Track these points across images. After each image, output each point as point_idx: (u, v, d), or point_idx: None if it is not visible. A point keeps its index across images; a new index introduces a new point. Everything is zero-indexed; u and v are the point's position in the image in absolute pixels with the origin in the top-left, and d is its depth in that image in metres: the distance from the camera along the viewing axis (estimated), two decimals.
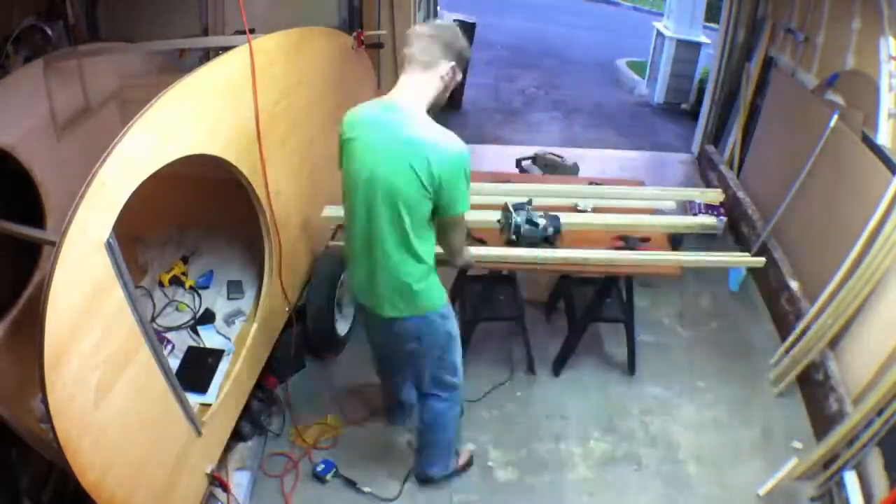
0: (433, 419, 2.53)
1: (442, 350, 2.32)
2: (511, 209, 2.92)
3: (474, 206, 3.32)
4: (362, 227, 2.05)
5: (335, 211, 3.06)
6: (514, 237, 2.90)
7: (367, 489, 2.74)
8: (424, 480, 2.75)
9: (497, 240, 3.00)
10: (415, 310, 2.14)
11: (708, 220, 3.43)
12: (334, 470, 2.78)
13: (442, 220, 2.05)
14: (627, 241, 3.01)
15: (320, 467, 2.78)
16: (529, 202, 3.00)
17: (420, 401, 2.55)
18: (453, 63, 2.01)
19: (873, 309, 2.81)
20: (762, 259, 3.12)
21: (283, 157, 2.66)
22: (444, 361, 2.37)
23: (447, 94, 2.08)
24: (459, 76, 2.06)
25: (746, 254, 3.38)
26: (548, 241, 2.93)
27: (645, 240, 3.04)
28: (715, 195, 3.59)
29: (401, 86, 2.00)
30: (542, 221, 2.90)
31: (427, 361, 2.35)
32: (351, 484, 2.76)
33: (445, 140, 1.94)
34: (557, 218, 2.96)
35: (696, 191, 3.67)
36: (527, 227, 2.89)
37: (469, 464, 2.85)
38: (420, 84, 1.98)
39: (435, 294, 2.16)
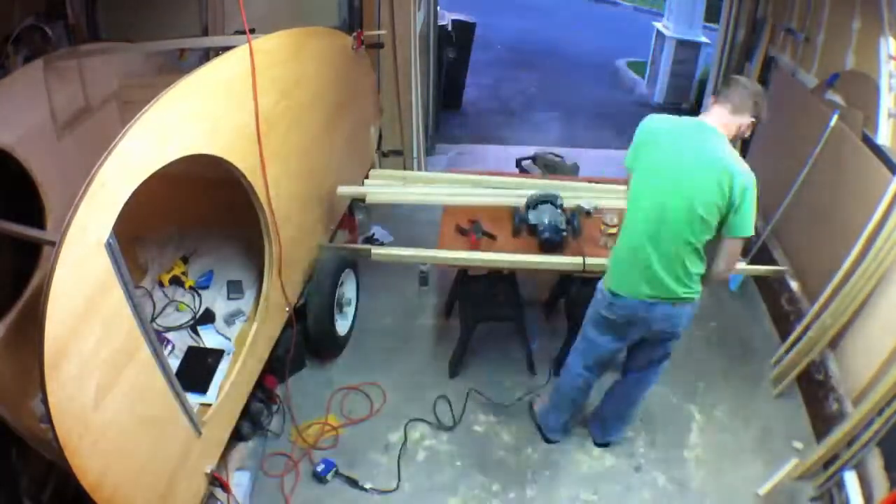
0: (639, 391, 2.82)
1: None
2: (532, 208, 2.96)
3: (480, 205, 3.36)
4: (650, 221, 2.27)
5: (348, 190, 3.22)
6: (539, 237, 3.03)
7: (368, 485, 2.76)
8: (606, 445, 3.03)
9: (506, 234, 3.05)
10: (677, 300, 2.38)
11: None
12: (334, 469, 2.79)
13: (725, 240, 2.27)
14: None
15: (320, 467, 2.78)
16: (557, 200, 3.03)
17: (636, 376, 2.77)
18: (753, 120, 2.29)
19: (873, 309, 2.81)
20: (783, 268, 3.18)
21: (283, 157, 2.66)
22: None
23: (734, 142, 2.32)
24: (748, 133, 2.34)
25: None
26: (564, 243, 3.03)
27: None
28: None
29: (713, 114, 2.30)
30: (564, 225, 3.03)
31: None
32: (352, 482, 2.77)
33: (746, 168, 2.19)
34: (576, 217, 3.08)
35: None
36: (548, 234, 3.01)
37: None
38: (727, 121, 2.27)
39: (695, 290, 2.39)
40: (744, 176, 2.14)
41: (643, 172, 2.32)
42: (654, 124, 2.37)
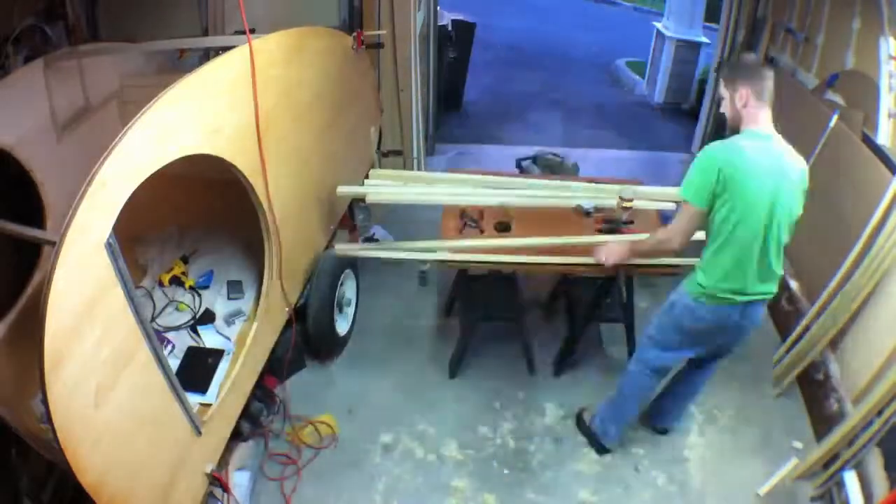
0: (703, 383, 2.88)
1: None
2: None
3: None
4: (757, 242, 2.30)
5: (348, 190, 3.25)
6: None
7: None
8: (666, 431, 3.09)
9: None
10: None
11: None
12: None
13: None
14: (611, 223, 3.04)
15: None
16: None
17: (699, 368, 2.80)
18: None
19: (873, 309, 2.81)
20: None
21: (283, 157, 2.66)
22: None
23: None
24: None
25: None
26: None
27: (629, 222, 3.07)
28: None
29: (768, 119, 2.28)
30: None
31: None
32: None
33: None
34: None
35: None
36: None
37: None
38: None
39: None
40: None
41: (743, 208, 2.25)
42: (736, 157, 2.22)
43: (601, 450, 2.98)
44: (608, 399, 2.94)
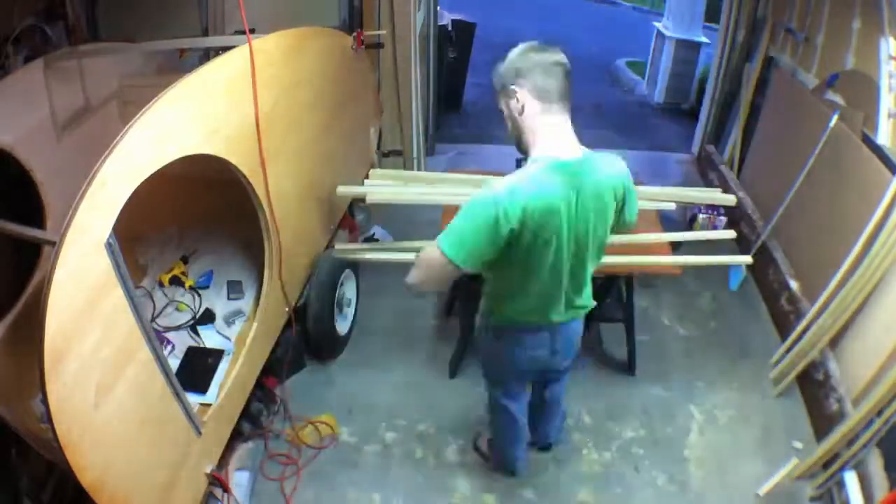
0: (560, 397, 2.68)
1: None
2: None
3: None
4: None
5: (348, 190, 3.23)
6: None
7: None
8: (548, 447, 2.96)
9: None
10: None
11: (726, 233, 3.35)
12: None
13: None
14: None
15: None
16: None
17: (546, 386, 2.61)
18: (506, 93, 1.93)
19: (873, 309, 2.81)
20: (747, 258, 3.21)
21: (283, 157, 2.66)
22: None
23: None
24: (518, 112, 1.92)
25: (746, 257, 3.36)
26: None
27: None
28: (730, 199, 3.48)
29: (565, 132, 1.94)
30: None
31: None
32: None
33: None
34: None
35: (707, 191, 3.58)
36: None
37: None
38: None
39: None
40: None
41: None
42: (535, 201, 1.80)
43: (514, 473, 2.82)
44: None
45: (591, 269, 2.10)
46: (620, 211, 2.03)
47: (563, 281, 2.02)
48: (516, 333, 2.23)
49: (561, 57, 1.86)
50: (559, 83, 1.83)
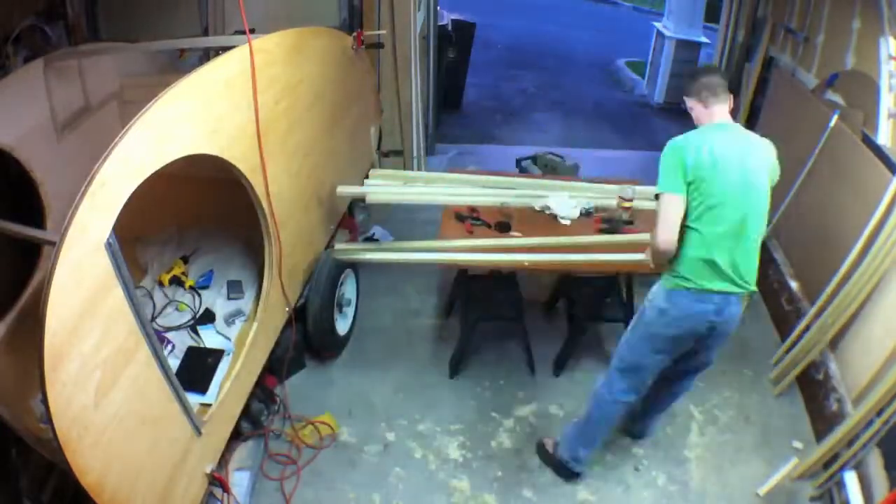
0: (682, 393, 2.82)
1: None
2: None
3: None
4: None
5: (348, 190, 3.24)
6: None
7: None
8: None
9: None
10: None
11: None
12: None
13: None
14: (610, 222, 3.04)
15: None
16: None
17: (682, 379, 2.73)
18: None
19: (873, 309, 2.81)
20: None
21: (283, 157, 2.66)
22: None
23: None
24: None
25: None
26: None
27: (629, 222, 3.07)
28: None
29: (723, 112, 2.38)
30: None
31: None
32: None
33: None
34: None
35: None
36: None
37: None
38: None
39: None
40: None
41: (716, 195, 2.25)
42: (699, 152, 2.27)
43: (570, 476, 2.83)
44: (575, 424, 2.79)
45: None
46: None
47: None
48: None
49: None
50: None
